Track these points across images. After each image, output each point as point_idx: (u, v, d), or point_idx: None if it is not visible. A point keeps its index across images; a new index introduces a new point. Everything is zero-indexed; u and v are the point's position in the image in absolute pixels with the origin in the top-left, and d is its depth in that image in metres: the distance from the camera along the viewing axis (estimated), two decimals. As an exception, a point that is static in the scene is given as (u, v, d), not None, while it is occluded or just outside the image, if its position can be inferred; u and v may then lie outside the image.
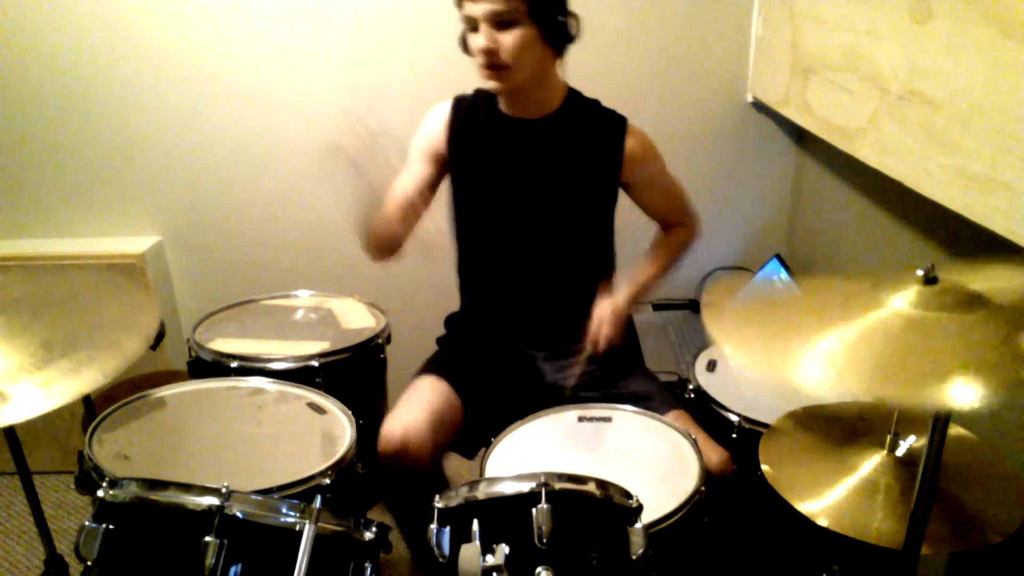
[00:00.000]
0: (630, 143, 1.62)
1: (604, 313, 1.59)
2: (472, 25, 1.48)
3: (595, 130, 1.63)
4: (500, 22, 1.45)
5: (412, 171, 1.68)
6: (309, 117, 2.29)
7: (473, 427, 1.60)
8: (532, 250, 1.66)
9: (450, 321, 1.85)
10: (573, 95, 1.64)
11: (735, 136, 2.34)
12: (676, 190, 1.74)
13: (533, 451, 1.40)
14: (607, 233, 1.72)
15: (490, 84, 1.53)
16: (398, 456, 1.44)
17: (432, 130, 1.67)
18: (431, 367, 1.66)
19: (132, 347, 1.19)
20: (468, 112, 1.65)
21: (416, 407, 1.51)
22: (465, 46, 1.55)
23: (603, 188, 1.65)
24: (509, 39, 1.46)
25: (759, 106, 2.28)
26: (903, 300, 0.92)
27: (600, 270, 1.76)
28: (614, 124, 1.64)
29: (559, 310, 1.72)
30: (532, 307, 1.70)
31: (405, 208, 1.58)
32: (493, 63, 1.48)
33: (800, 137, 2.33)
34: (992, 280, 0.95)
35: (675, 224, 1.77)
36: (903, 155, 1.39)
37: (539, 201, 1.64)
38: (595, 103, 1.66)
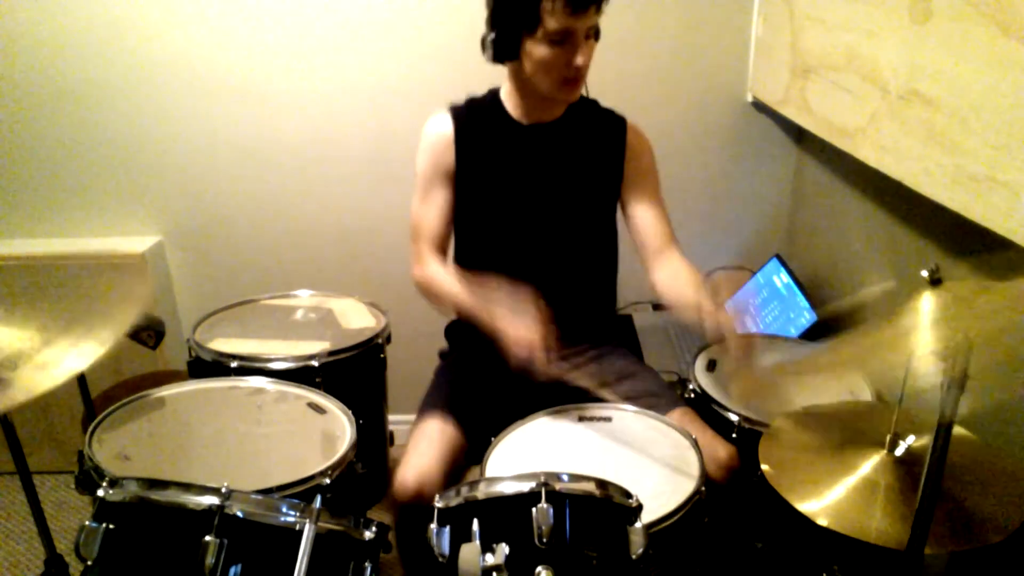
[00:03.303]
0: (631, 137, 1.65)
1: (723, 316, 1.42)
2: (559, 39, 1.43)
3: (601, 129, 1.65)
4: (589, 32, 1.46)
5: (435, 200, 1.65)
6: (310, 117, 2.29)
7: (479, 439, 1.59)
8: (543, 252, 1.66)
9: (450, 331, 1.84)
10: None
11: (735, 136, 2.34)
12: (662, 201, 1.69)
13: (533, 451, 1.40)
14: (612, 228, 1.73)
15: (561, 96, 1.53)
16: (413, 503, 1.41)
17: (439, 149, 1.62)
18: (436, 405, 1.59)
19: (127, 316, 1.21)
20: (472, 122, 1.62)
21: (426, 454, 1.46)
22: (500, 53, 1.50)
23: (610, 185, 1.66)
24: (590, 51, 1.48)
25: (759, 106, 2.28)
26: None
27: (606, 267, 1.76)
28: (616, 122, 1.67)
29: (567, 310, 1.71)
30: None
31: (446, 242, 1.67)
32: (581, 76, 1.49)
33: (800, 137, 2.33)
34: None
35: (659, 243, 1.65)
36: (903, 155, 1.39)
37: (552, 203, 1.64)
38: (594, 103, 1.68)
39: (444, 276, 1.61)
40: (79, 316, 1.20)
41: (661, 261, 1.64)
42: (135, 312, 1.24)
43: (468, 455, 1.56)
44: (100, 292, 1.33)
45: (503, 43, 1.48)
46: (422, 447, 1.48)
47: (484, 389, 1.64)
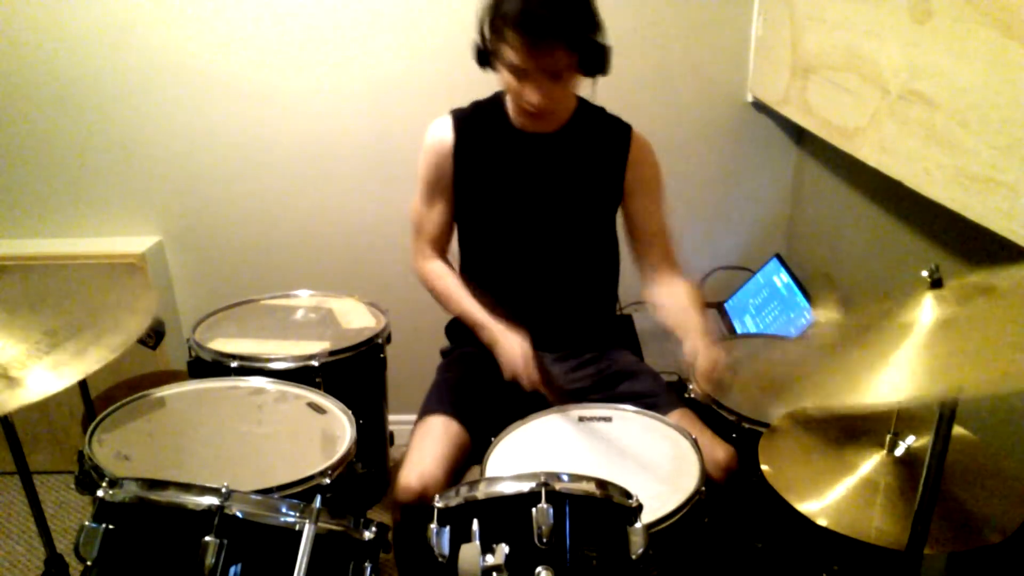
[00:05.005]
0: (634, 147, 1.64)
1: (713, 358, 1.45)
2: (516, 73, 1.44)
3: (604, 137, 1.64)
4: (552, 74, 1.44)
5: (435, 205, 1.68)
6: (309, 117, 2.29)
7: (481, 438, 1.58)
8: (544, 257, 1.66)
9: (451, 329, 1.84)
10: (582, 104, 1.64)
11: (735, 136, 2.34)
12: (664, 215, 1.69)
13: (533, 451, 1.40)
14: (612, 234, 1.73)
15: (527, 123, 1.59)
16: (417, 504, 1.41)
17: (439, 157, 1.63)
18: (439, 403, 1.59)
19: (134, 325, 1.21)
20: (474, 129, 1.62)
21: (430, 455, 1.46)
22: (485, 62, 1.52)
23: (611, 192, 1.66)
24: (558, 90, 1.48)
25: (759, 106, 2.28)
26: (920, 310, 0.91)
27: (607, 270, 1.76)
28: (621, 130, 1.66)
29: (569, 313, 1.71)
30: (542, 311, 1.69)
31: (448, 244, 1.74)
32: (541, 111, 1.50)
33: (800, 137, 2.33)
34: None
35: (656, 259, 1.67)
36: (903, 155, 1.39)
37: (552, 210, 1.64)
38: (601, 110, 1.67)
39: (444, 275, 1.68)
40: (85, 322, 1.20)
41: (657, 278, 1.65)
42: (143, 320, 1.24)
43: (472, 453, 1.56)
44: (101, 293, 1.33)
45: (481, 55, 1.52)
46: (425, 446, 1.48)
47: (487, 386, 1.64)
